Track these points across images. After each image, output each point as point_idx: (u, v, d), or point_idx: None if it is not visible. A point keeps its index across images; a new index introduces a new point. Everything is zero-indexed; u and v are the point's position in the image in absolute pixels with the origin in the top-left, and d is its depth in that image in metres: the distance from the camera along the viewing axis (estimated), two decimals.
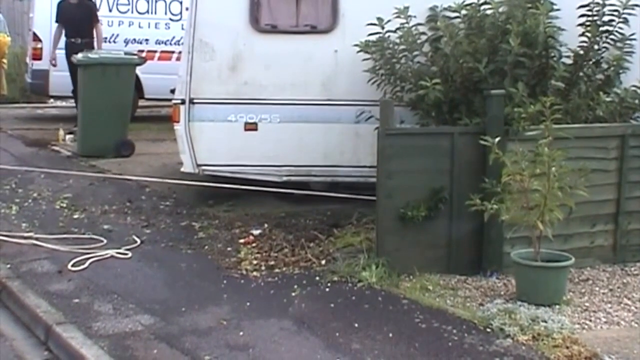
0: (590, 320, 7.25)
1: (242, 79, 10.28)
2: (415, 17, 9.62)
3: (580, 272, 8.49)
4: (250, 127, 10.31)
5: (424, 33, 9.68)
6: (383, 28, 9.52)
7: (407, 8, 9.49)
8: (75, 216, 10.56)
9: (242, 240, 9.38)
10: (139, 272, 8.52)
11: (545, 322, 6.99)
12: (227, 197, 11.16)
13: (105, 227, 10.01)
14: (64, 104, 20.70)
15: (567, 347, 6.53)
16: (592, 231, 8.77)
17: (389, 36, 9.58)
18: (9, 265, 8.72)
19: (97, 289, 7.96)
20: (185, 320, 7.17)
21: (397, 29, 9.56)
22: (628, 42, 9.31)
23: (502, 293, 7.88)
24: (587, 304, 7.63)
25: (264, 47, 10.35)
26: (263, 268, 8.53)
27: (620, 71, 9.34)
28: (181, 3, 18.22)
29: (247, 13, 10.34)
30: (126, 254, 9.01)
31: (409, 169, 8.30)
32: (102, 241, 9.38)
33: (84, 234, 9.77)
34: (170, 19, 18.44)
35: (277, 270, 8.48)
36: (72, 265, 8.56)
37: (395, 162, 8.29)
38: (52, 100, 21.07)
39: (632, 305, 7.68)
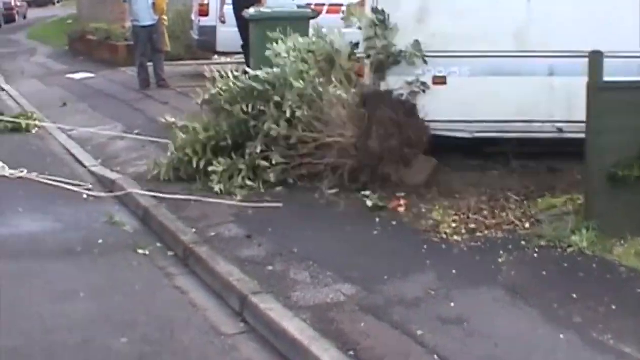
0: None
1: (430, 31, 9.69)
2: None
3: None
4: (439, 81, 9.74)
5: None
6: None
7: None
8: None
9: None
10: (332, 237, 8.15)
11: None
12: None
13: None
14: (228, 59, 20.56)
15: None
16: None
17: None
18: (194, 230, 8.46)
19: (291, 255, 7.62)
20: (389, 289, 6.75)
21: None
22: None
23: None
24: None
25: None
26: (463, 231, 8.00)
27: None
28: None
29: None
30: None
31: (621, 126, 7.59)
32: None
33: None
34: None
35: (478, 234, 7.95)
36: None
37: (607, 119, 7.62)
38: (216, 56, 20.99)
39: None
